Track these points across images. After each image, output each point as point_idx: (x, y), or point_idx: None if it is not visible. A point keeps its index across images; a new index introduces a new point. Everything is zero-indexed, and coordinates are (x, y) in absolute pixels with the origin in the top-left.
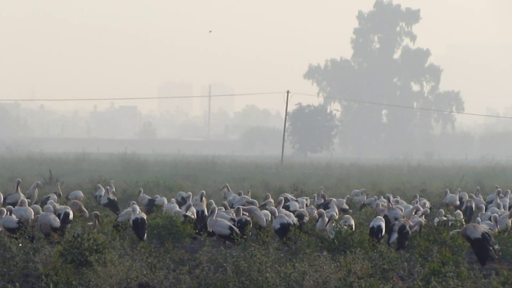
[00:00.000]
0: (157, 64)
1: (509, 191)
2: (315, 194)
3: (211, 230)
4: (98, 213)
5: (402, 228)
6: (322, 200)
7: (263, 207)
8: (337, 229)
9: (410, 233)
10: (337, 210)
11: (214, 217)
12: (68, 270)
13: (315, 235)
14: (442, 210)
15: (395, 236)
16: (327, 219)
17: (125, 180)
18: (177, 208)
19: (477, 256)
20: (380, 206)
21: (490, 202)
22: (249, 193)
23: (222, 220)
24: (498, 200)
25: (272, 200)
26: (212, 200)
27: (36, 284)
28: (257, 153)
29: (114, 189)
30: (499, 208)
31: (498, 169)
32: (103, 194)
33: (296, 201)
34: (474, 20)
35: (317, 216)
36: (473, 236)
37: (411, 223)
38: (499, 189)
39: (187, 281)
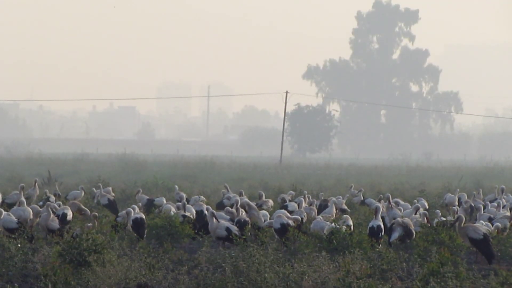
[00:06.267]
0: (155, 64)
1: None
2: (314, 200)
3: (214, 238)
4: (96, 214)
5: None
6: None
7: (260, 207)
8: (335, 229)
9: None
10: (335, 210)
11: (214, 222)
12: (67, 270)
13: (313, 236)
14: (438, 211)
15: (396, 235)
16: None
17: (124, 181)
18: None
19: (484, 255)
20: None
21: (491, 201)
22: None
23: (222, 223)
24: (504, 200)
25: (269, 200)
26: (209, 207)
27: (35, 284)
28: (256, 154)
29: (113, 194)
30: (498, 207)
31: (497, 169)
32: (102, 194)
33: (295, 201)
34: (473, 20)
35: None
36: (476, 237)
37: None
38: (503, 186)
39: (185, 282)
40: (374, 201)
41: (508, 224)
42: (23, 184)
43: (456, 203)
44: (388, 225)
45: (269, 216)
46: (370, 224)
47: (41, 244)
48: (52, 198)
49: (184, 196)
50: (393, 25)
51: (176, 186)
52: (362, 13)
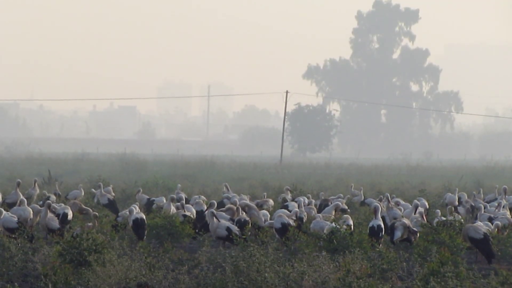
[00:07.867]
0: (156, 64)
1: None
2: (313, 200)
3: (215, 238)
4: (97, 213)
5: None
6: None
7: (260, 207)
8: (335, 228)
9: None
10: (334, 210)
11: (214, 222)
12: (67, 270)
13: (314, 235)
14: (438, 210)
15: (398, 234)
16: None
17: (124, 180)
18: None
19: (484, 255)
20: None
21: (489, 202)
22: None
23: (222, 223)
24: (504, 200)
25: (269, 199)
26: (214, 201)
27: (35, 284)
28: (256, 153)
29: (113, 194)
30: (499, 207)
31: (497, 169)
32: (102, 194)
33: (295, 201)
34: (473, 20)
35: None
36: (477, 237)
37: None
38: (505, 187)
39: (186, 281)
40: (375, 200)
41: (507, 224)
42: (19, 180)
43: (456, 203)
44: (389, 224)
45: (269, 215)
46: (371, 224)
47: (41, 244)
48: (53, 197)
49: (184, 196)
50: (393, 24)
51: (179, 185)
52: (362, 13)
